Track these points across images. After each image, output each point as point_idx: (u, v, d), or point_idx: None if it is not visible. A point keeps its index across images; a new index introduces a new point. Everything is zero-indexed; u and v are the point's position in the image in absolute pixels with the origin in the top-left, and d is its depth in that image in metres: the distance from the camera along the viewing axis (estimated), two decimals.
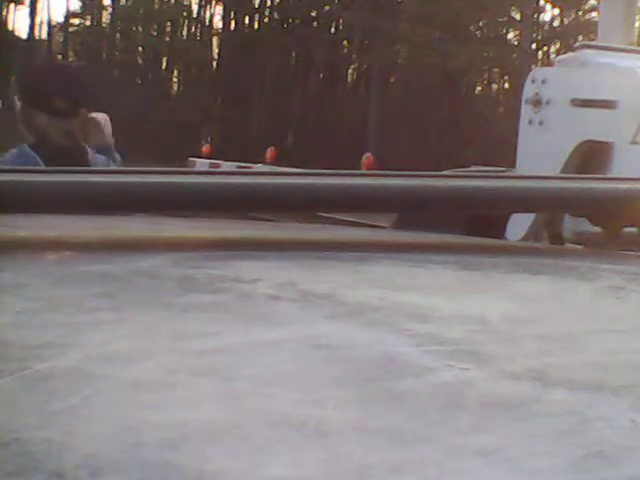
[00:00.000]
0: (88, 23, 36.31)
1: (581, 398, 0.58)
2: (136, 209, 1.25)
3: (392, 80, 30.13)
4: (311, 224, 1.93)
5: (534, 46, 28.72)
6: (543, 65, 23.91)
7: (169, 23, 33.76)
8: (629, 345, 0.75)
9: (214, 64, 32.68)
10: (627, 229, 1.55)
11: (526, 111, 4.61)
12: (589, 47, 4.90)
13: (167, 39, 33.91)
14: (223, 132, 28.07)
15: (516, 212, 3.34)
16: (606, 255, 1.37)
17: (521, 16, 27.43)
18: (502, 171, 4.51)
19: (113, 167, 2.57)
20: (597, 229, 1.62)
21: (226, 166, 10.62)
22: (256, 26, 31.87)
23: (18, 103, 2.62)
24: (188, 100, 30.05)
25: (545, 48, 30.33)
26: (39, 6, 33.85)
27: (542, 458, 0.48)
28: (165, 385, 0.57)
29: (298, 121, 28.55)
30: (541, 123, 4.53)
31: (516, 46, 28.25)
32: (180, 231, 1.31)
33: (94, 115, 2.64)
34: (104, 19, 35.94)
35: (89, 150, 2.57)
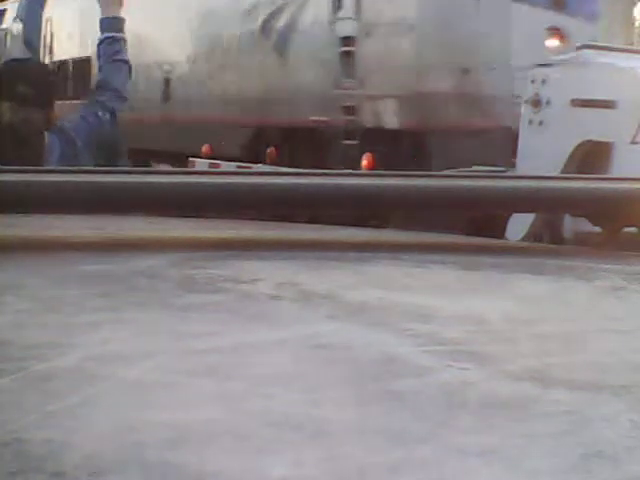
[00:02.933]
0: None
1: (581, 398, 0.58)
2: (136, 209, 1.25)
3: None
4: (311, 224, 1.93)
5: None
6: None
7: None
8: (629, 345, 0.75)
9: None
10: (627, 229, 1.55)
11: (526, 111, 4.61)
12: (589, 47, 4.89)
13: None
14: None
15: (516, 212, 3.34)
16: (606, 255, 1.37)
17: None
18: (502, 171, 4.50)
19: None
20: (597, 229, 1.62)
21: (226, 166, 10.57)
22: None
23: None
24: None
25: None
26: None
27: (542, 458, 0.48)
28: (165, 385, 0.58)
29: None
30: (541, 123, 4.54)
31: None
32: (180, 231, 1.31)
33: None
34: None
35: (47, 136, 2.68)
